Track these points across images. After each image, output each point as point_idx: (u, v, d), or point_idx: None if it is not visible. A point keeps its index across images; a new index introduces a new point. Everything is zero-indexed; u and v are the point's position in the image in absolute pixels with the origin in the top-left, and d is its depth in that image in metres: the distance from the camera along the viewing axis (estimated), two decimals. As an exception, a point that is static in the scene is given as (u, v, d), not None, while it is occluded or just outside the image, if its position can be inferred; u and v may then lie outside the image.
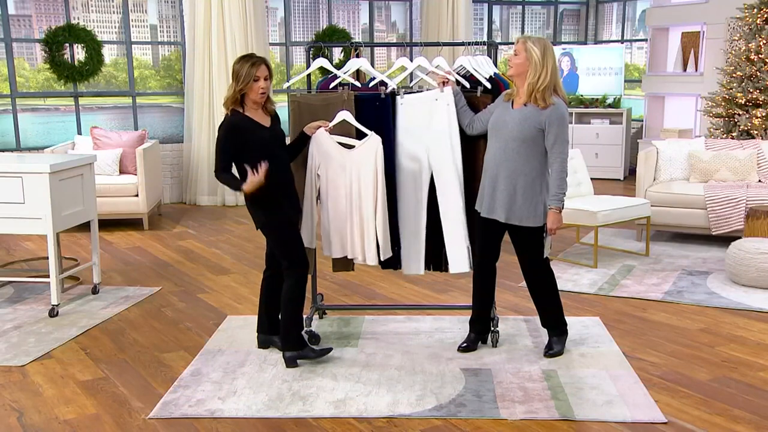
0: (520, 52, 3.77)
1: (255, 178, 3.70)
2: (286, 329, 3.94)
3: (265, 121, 3.88)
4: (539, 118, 3.77)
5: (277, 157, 3.86)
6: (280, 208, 3.85)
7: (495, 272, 4.15)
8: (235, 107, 3.81)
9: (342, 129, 4.04)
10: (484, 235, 4.04)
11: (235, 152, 3.79)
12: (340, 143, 3.99)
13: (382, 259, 4.01)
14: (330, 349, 4.08)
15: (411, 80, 4.37)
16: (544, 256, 3.99)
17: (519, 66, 3.79)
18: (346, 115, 4.00)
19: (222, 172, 3.80)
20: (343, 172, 3.99)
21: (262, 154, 3.77)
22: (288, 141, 4.04)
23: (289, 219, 3.89)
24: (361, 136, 4.02)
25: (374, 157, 3.90)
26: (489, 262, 4.10)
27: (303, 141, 4.04)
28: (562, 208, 3.85)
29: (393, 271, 4.47)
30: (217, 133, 3.85)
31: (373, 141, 3.91)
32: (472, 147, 4.13)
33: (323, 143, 4.00)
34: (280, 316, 4.06)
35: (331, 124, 4.01)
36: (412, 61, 4.25)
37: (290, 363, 3.95)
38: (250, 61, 3.76)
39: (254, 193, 3.75)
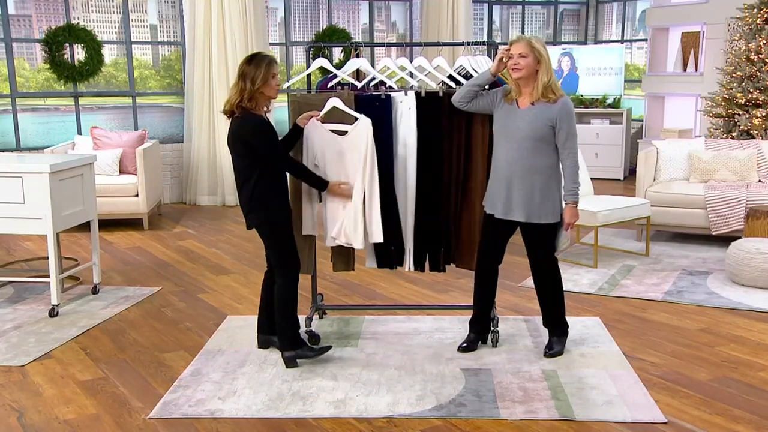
0: (527, 54, 3.75)
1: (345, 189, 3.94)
2: (282, 329, 3.95)
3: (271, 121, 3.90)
4: (550, 114, 3.79)
5: (283, 157, 3.89)
6: (281, 207, 3.86)
7: (498, 273, 4.15)
8: (248, 108, 3.75)
9: (337, 117, 4.05)
10: (494, 236, 4.04)
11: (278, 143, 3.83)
12: (332, 130, 4.01)
13: (372, 241, 4.02)
14: (329, 347, 4.08)
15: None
16: (560, 250, 4.01)
17: (529, 67, 3.77)
18: (336, 102, 4.01)
19: (289, 160, 3.84)
20: (340, 159, 4.00)
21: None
22: None
23: (289, 220, 3.90)
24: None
25: (365, 140, 3.90)
26: (494, 264, 4.10)
27: (296, 134, 4.04)
28: (578, 202, 3.90)
29: (393, 271, 4.47)
30: (248, 138, 3.74)
31: (364, 124, 3.92)
32: (469, 150, 4.15)
33: (317, 133, 4.01)
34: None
35: (321, 113, 4.01)
36: (411, 61, 4.26)
37: (289, 363, 3.95)
38: (266, 59, 3.74)
39: (264, 190, 3.79)
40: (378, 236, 4.01)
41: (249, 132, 3.74)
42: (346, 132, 3.99)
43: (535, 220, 3.90)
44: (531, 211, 3.88)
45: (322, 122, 4.02)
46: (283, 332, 3.95)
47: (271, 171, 3.80)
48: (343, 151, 3.99)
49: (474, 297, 4.20)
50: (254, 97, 3.74)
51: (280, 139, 3.92)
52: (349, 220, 4.00)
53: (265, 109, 3.87)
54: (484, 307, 4.18)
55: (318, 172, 4.03)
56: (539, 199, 3.86)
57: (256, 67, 3.72)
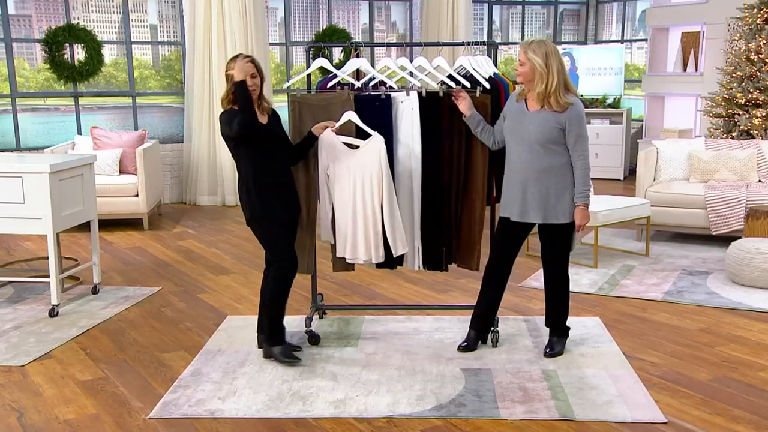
0: (524, 62, 3.78)
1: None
2: (260, 323, 4.05)
3: (262, 119, 3.90)
4: (559, 118, 3.79)
5: (273, 155, 3.89)
6: (269, 206, 3.88)
7: (509, 275, 4.15)
8: (233, 106, 3.84)
9: (345, 128, 4.05)
10: (509, 239, 4.04)
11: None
12: (345, 143, 4.01)
13: (395, 255, 4.02)
14: (298, 360, 4.01)
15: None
16: (571, 250, 4.03)
17: (525, 74, 3.80)
18: (351, 116, 4.01)
19: (239, 116, 3.75)
20: (348, 173, 4.00)
21: (259, 149, 3.84)
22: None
23: (277, 218, 3.90)
24: (361, 135, 4.03)
25: (378, 157, 3.90)
26: (508, 264, 4.10)
27: (310, 141, 4.05)
28: (589, 204, 3.90)
29: (393, 271, 4.47)
30: (222, 132, 3.87)
31: (377, 141, 3.92)
32: (469, 149, 4.14)
33: (330, 144, 4.01)
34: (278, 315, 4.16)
35: (337, 125, 4.01)
36: (412, 61, 4.26)
37: (266, 354, 4.06)
38: (234, 57, 3.84)
39: (250, 184, 3.84)
40: (402, 248, 4.00)
41: (221, 125, 3.84)
42: (358, 146, 3.99)
43: (552, 220, 3.90)
44: (547, 212, 3.89)
45: (336, 134, 4.02)
46: (260, 320, 4.06)
47: (258, 166, 3.83)
48: (351, 165, 3.98)
49: (480, 296, 4.19)
50: (231, 98, 3.83)
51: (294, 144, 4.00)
52: (363, 238, 3.99)
53: (258, 108, 3.90)
54: (490, 306, 4.17)
55: (329, 183, 4.06)
56: (555, 200, 3.87)
57: (229, 66, 3.83)
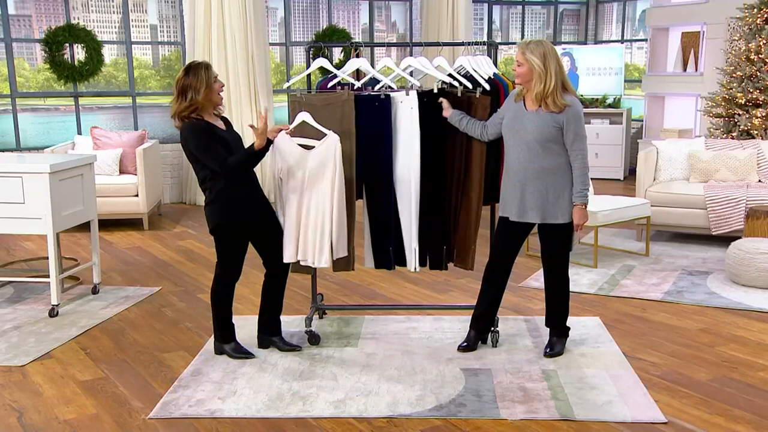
0: (522, 62, 3.79)
1: (259, 129, 3.74)
2: (213, 321, 4.14)
3: (221, 125, 3.93)
4: (557, 118, 3.79)
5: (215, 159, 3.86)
6: (232, 214, 3.87)
7: (509, 275, 4.15)
8: (192, 116, 3.86)
9: (307, 131, 4.04)
10: (509, 239, 4.04)
11: (214, 144, 3.79)
12: (300, 144, 4.00)
13: (334, 258, 4.00)
14: (252, 356, 4.10)
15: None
16: (571, 250, 4.03)
17: (524, 75, 3.81)
18: (305, 117, 4.01)
19: (229, 161, 3.77)
20: (303, 174, 3.98)
21: (221, 158, 3.82)
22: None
23: (225, 223, 3.90)
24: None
25: (333, 156, 3.90)
26: (508, 264, 4.10)
27: (266, 145, 3.97)
28: (587, 203, 3.89)
29: (393, 271, 4.47)
30: (187, 145, 3.85)
31: (331, 140, 3.92)
32: (468, 148, 4.14)
33: (284, 146, 3.99)
34: (279, 316, 4.22)
35: (291, 127, 4.01)
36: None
37: (216, 350, 4.15)
38: (200, 67, 3.83)
39: (215, 193, 3.86)
40: (342, 251, 3.99)
41: (184, 138, 3.88)
42: (314, 147, 3.98)
43: (551, 220, 3.91)
44: (546, 212, 3.89)
45: (291, 135, 4.00)
46: (213, 324, 4.14)
47: (218, 175, 3.83)
48: (309, 166, 3.96)
49: (480, 296, 4.19)
50: (199, 108, 3.84)
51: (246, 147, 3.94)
52: (313, 239, 3.97)
53: (215, 113, 3.94)
54: (490, 306, 4.18)
55: (282, 186, 4.04)
56: (553, 199, 3.87)
57: (196, 77, 3.82)
